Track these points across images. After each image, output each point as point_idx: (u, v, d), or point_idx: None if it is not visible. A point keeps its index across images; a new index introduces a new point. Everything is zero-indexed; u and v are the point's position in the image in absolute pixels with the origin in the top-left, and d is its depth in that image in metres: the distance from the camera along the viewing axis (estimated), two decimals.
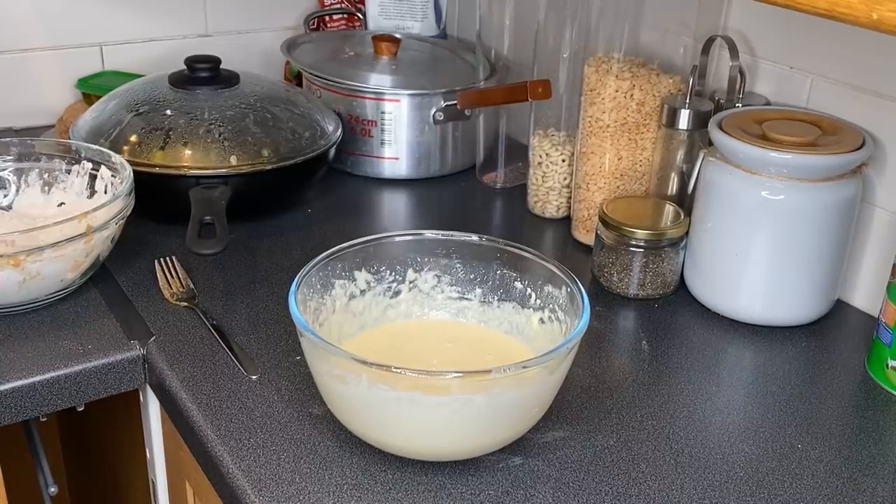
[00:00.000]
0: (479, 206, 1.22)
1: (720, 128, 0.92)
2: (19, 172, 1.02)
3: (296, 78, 1.41)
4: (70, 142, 1.04)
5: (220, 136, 1.06)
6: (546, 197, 1.16)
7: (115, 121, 1.07)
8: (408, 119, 1.22)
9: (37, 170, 1.02)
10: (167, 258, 0.99)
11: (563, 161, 1.14)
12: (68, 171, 1.02)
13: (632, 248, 0.97)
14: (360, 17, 1.44)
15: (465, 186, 1.26)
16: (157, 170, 1.03)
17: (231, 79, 1.13)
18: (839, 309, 0.98)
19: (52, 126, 1.32)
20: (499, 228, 1.17)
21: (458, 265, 0.86)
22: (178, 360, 0.85)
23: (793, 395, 0.84)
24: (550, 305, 0.81)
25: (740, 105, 0.99)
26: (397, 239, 0.86)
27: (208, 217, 0.98)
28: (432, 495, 0.71)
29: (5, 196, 1.02)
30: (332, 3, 1.47)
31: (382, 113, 1.22)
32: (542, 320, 0.82)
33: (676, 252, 0.98)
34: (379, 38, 1.30)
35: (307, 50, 1.34)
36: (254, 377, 0.83)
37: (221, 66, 1.13)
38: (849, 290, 0.99)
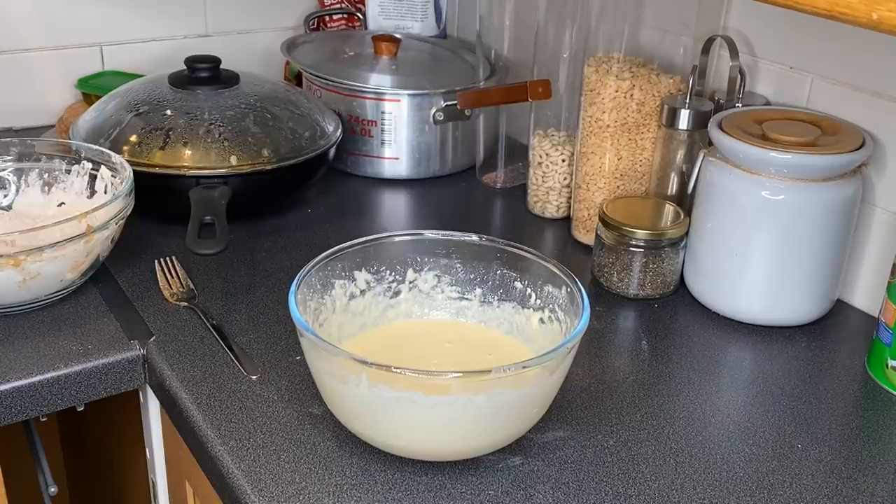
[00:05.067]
0: (479, 206, 1.22)
1: (720, 128, 0.92)
2: (19, 172, 1.02)
3: (296, 78, 1.41)
4: (70, 142, 1.04)
5: (220, 136, 1.06)
6: (546, 197, 1.16)
7: (115, 121, 1.07)
8: (408, 119, 1.22)
9: (37, 170, 1.02)
10: (167, 258, 0.99)
11: (563, 161, 1.14)
12: (68, 171, 1.02)
13: (632, 248, 0.97)
14: (360, 17, 1.44)
15: (465, 186, 1.26)
16: (157, 170, 1.03)
17: (231, 79, 1.13)
18: (839, 309, 0.98)
19: (52, 126, 1.32)
20: (499, 228, 1.17)
21: (458, 265, 0.86)
22: (178, 360, 0.85)
23: (793, 395, 0.84)
24: (550, 305, 0.81)
25: (740, 105, 0.99)
26: (397, 239, 0.86)
27: (208, 217, 0.98)
28: (432, 495, 0.71)
29: (5, 196, 1.02)
30: (332, 3, 1.47)
31: (382, 113, 1.22)
32: (542, 320, 0.82)
33: (676, 252, 0.98)
34: (379, 38, 1.30)
35: (307, 50, 1.34)
36: (254, 377, 0.83)
37: (221, 66, 1.13)
38: (849, 290, 0.99)
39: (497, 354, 0.82)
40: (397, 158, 1.24)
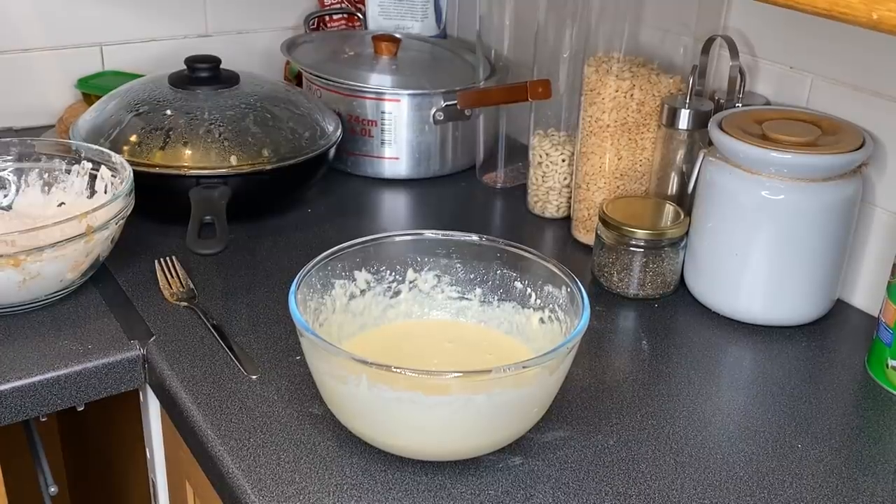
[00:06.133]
0: (479, 206, 1.22)
1: (720, 128, 0.92)
2: (19, 172, 1.02)
3: (296, 78, 1.41)
4: (70, 142, 1.04)
5: (220, 136, 1.06)
6: (546, 197, 1.16)
7: (115, 121, 1.07)
8: (408, 119, 1.22)
9: (37, 170, 1.02)
10: (167, 258, 0.99)
11: (563, 161, 1.14)
12: (68, 171, 1.02)
13: (632, 248, 0.97)
14: (360, 17, 1.44)
15: (465, 186, 1.26)
16: (157, 170, 1.03)
17: (231, 79, 1.13)
18: (839, 309, 0.98)
19: (52, 126, 1.32)
20: (499, 228, 1.17)
21: (458, 265, 0.86)
22: (178, 360, 0.85)
23: (793, 395, 0.84)
24: (550, 305, 0.81)
25: (740, 105, 0.99)
26: (397, 239, 0.86)
27: (208, 217, 0.98)
28: (432, 495, 0.71)
29: (5, 196, 1.02)
30: (332, 3, 1.47)
31: (382, 113, 1.22)
32: (542, 320, 0.82)
33: (676, 252, 0.98)
34: (379, 38, 1.30)
35: (307, 50, 1.34)
36: (254, 377, 0.83)
37: (221, 66, 1.13)
38: (849, 290, 0.99)
39: (497, 354, 0.82)
40: (397, 158, 1.24)
